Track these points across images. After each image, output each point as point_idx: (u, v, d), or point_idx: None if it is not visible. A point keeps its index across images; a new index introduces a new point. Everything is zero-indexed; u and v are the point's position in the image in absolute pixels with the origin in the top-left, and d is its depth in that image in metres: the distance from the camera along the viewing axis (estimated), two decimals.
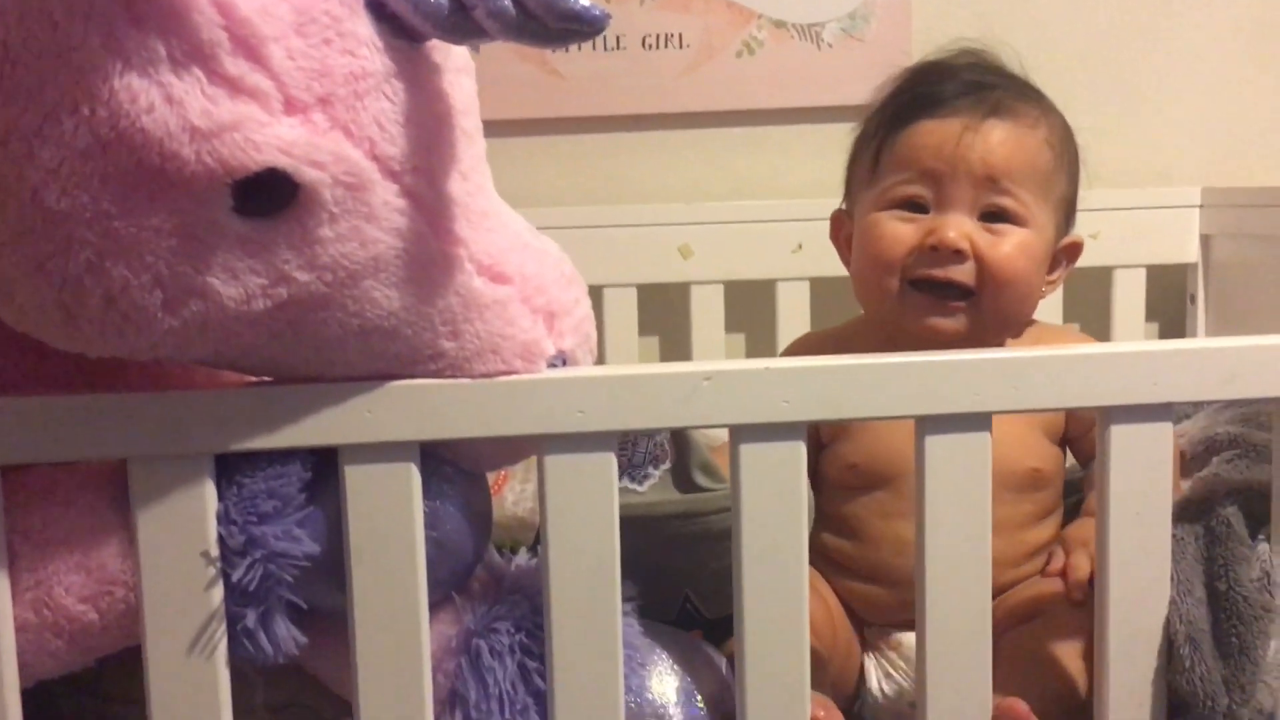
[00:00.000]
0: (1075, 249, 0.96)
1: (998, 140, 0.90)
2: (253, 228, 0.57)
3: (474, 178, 0.63)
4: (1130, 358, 0.69)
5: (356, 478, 0.66)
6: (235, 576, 0.64)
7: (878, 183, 0.93)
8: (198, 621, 0.65)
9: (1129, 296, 1.41)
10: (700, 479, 0.84)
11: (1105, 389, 0.69)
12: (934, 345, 0.79)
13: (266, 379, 0.67)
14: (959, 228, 0.88)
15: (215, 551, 0.65)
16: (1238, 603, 0.71)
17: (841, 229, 1.00)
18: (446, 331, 0.64)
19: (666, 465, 0.85)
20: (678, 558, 0.82)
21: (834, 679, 0.89)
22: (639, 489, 0.84)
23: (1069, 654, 0.80)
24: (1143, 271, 1.41)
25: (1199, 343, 0.70)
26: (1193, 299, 1.44)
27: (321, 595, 0.67)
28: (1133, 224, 1.38)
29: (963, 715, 0.71)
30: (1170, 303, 1.46)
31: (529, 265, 0.66)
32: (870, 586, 0.93)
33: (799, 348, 1.02)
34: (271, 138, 0.55)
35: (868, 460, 0.93)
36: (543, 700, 0.68)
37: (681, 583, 0.84)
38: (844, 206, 1.01)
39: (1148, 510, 0.71)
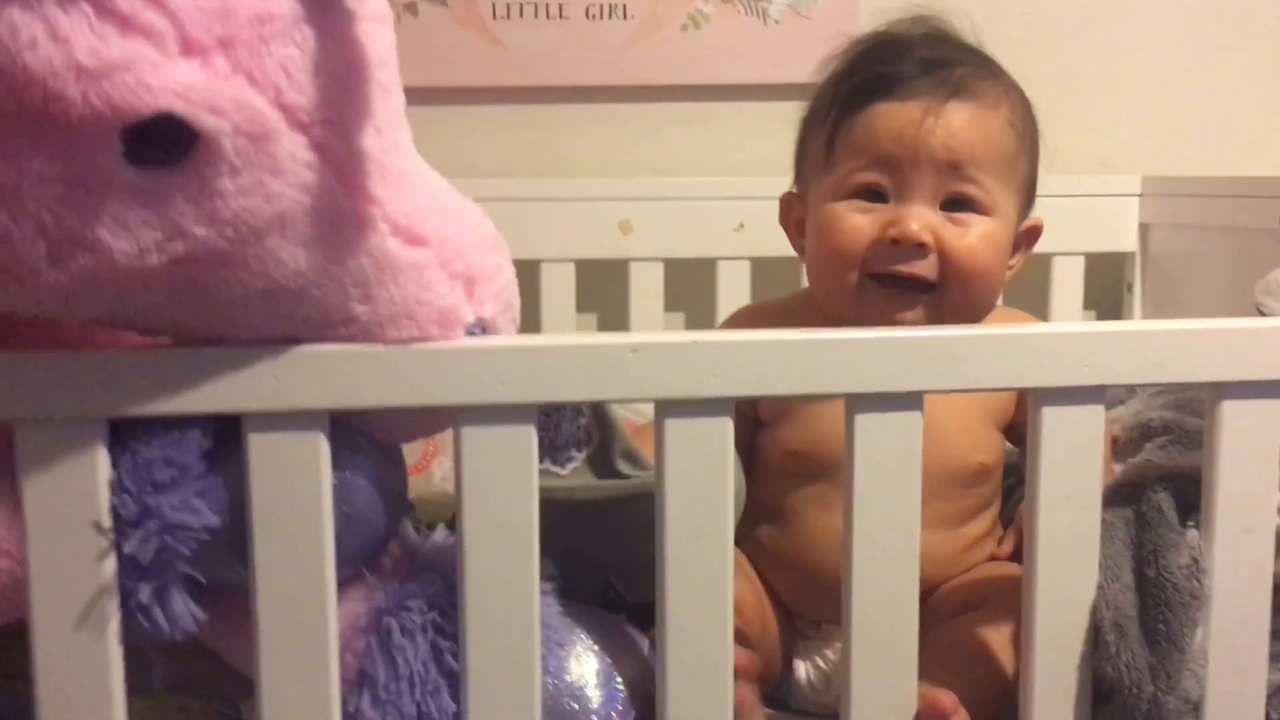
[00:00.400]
0: (1035, 232, 0.93)
1: (960, 124, 0.85)
2: (146, 177, 0.53)
3: (390, 133, 0.60)
4: (1064, 338, 0.68)
5: (261, 447, 0.62)
6: (129, 549, 0.61)
7: (833, 169, 0.88)
8: (88, 595, 0.62)
9: (1067, 284, 1.41)
10: (623, 466, 0.80)
11: (1038, 370, 0.68)
12: None
13: (166, 341, 0.63)
14: (921, 219, 0.84)
15: (107, 522, 0.61)
16: (1166, 589, 0.70)
17: (791, 213, 0.95)
18: (358, 295, 0.61)
19: (589, 449, 0.82)
20: (599, 543, 0.79)
21: (762, 667, 0.87)
22: (560, 471, 0.81)
23: (1002, 644, 0.79)
24: (1081, 259, 1.41)
25: (1133, 325, 0.69)
26: (1130, 288, 1.44)
27: (222, 569, 0.64)
28: (1072, 211, 1.38)
29: (888, 705, 0.69)
30: (1108, 291, 1.46)
31: (448, 227, 0.64)
32: (804, 582, 0.89)
33: (739, 320, 0.98)
34: (166, 80, 0.51)
35: (808, 447, 0.89)
36: (456, 681, 0.66)
37: (603, 568, 0.82)
38: (794, 190, 0.96)
39: (1078, 493, 0.69)
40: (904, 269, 0.85)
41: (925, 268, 0.85)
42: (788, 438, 0.90)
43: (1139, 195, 1.42)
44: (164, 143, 0.53)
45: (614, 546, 0.79)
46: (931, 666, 0.73)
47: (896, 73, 0.87)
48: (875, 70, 0.88)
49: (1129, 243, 1.43)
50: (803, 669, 0.89)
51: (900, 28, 0.92)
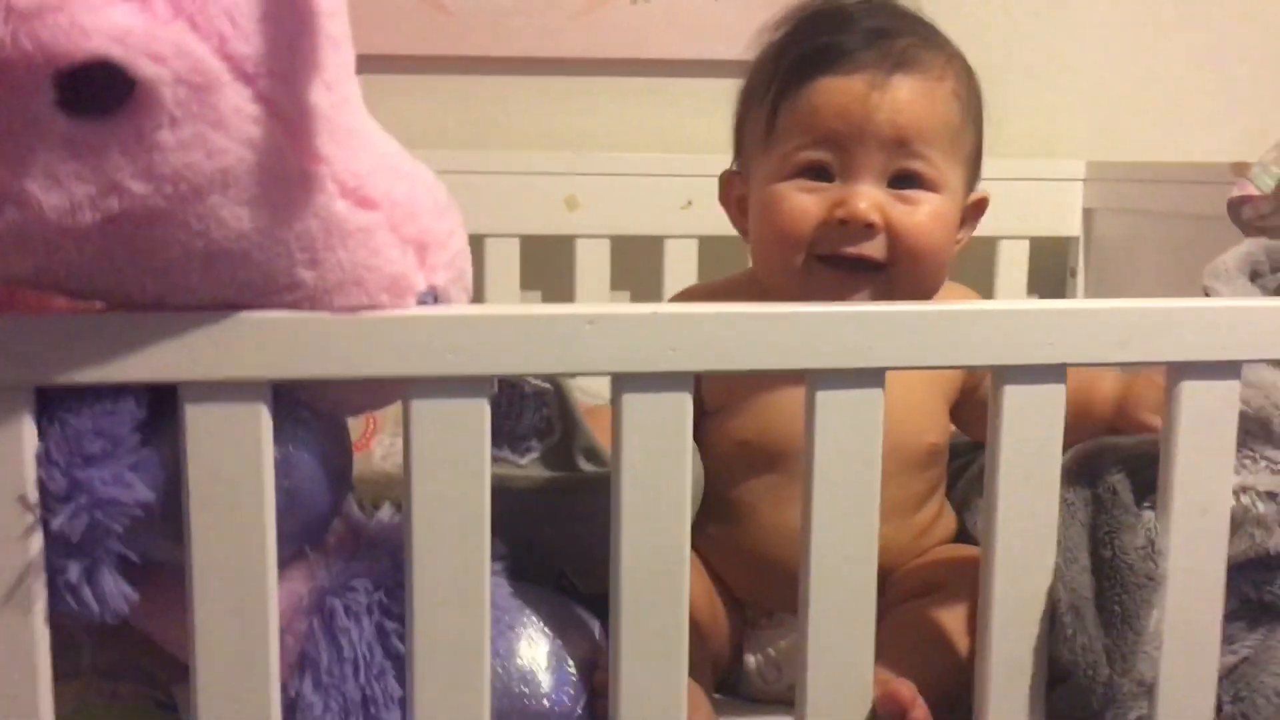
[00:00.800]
0: (982, 205, 0.91)
1: (906, 98, 0.82)
2: (80, 128, 0.50)
3: (340, 89, 0.57)
4: (1028, 316, 0.67)
5: (198, 418, 0.59)
6: (56, 525, 0.57)
7: (775, 147, 0.85)
8: (13, 574, 0.58)
9: (1011, 267, 1.42)
10: (583, 463, 0.77)
11: (1000, 348, 0.67)
12: None
13: (98, 304, 0.60)
14: (869, 198, 0.81)
15: (34, 496, 0.58)
16: (1121, 571, 0.70)
17: (732, 190, 0.92)
18: (304, 259, 0.58)
19: (550, 441, 0.78)
20: (554, 533, 0.76)
21: (713, 657, 0.85)
22: (518, 461, 0.78)
23: (957, 627, 0.78)
24: (1025, 243, 1.42)
25: (1096, 303, 0.68)
26: (1073, 272, 1.45)
27: (157, 547, 0.61)
28: (1017, 195, 1.38)
29: (845, 692, 0.68)
30: (1050, 276, 1.47)
31: (399, 190, 0.61)
32: (757, 574, 0.86)
33: (683, 300, 0.95)
34: (103, 23, 0.48)
35: (760, 437, 0.85)
36: (402, 664, 0.63)
37: (557, 559, 0.79)
38: (734, 167, 0.93)
39: (1037, 473, 0.69)
40: (852, 250, 0.82)
41: (873, 248, 0.82)
42: (740, 427, 0.87)
43: (1083, 180, 1.43)
44: (99, 91, 0.49)
45: (569, 537, 0.76)
46: (886, 651, 0.72)
47: (838, 44, 0.84)
48: (817, 42, 0.85)
49: (1073, 227, 1.44)
50: (753, 659, 0.88)
51: None
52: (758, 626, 0.89)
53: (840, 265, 0.83)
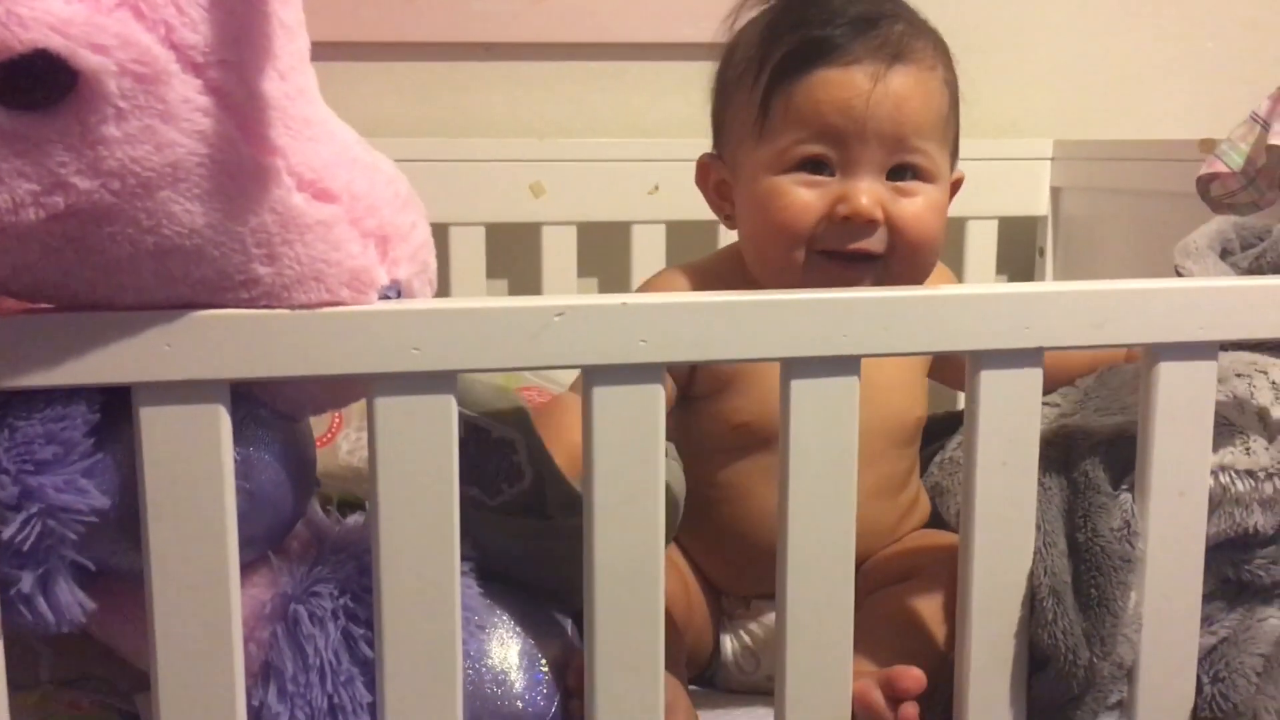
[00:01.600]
0: (958, 184, 0.91)
1: (905, 93, 0.82)
2: (20, 122, 0.48)
3: (294, 78, 0.55)
4: (1003, 299, 0.66)
5: (154, 421, 0.57)
6: (7, 534, 0.55)
7: (771, 139, 0.83)
8: None
9: (981, 248, 1.41)
10: (558, 517, 0.73)
11: (976, 332, 0.66)
12: None
13: (46, 305, 0.57)
14: (871, 194, 0.81)
15: None
16: (1097, 553, 0.70)
17: (710, 175, 0.90)
18: (261, 254, 0.56)
19: (522, 485, 0.75)
20: (530, 571, 0.73)
21: (690, 649, 0.84)
22: (488, 501, 0.74)
23: (935, 613, 0.78)
24: (994, 223, 1.41)
25: (1072, 286, 0.68)
26: (1041, 252, 1.45)
27: (114, 554, 0.59)
28: (985, 175, 1.37)
29: (824, 679, 0.67)
30: (1020, 255, 1.47)
31: (359, 182, 0.59)
32: (743, 558, 0.86)
33: (661, 282, 0.91)
34: (41, 13, 0.46)
35: (759, 419, 0.84)
36: (370, 670, 0.62)
37: (535, 590, 0.75)
38: (715, 152, 0.91)
39: (1015, 458, 0.68)
40: (852, 247, 0.82)
41: (874, 242, 0.82)
42: (737, 409, 0.86)
43: (1050, 159, 1.42)
44: (40, 83, 0.47)
45: (545, 576, 0.74)
46: (865, 640, 0.71)
47: (831, 37, 0.82)
48: (809, 34, 0.83)
49: (1041, 206, 1.43)
50: (730, 647, 0.87)
51: None
52: (735, 616, 0.88)
53: (840, 258, 0.82)
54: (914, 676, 0.70)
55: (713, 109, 0.91)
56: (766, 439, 0.83)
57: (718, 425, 0.86)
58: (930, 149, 0.83)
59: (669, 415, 0.87)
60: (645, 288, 0.92)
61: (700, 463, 0.85)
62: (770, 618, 0.85)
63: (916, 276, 0.85)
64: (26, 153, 0.49)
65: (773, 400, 0.83)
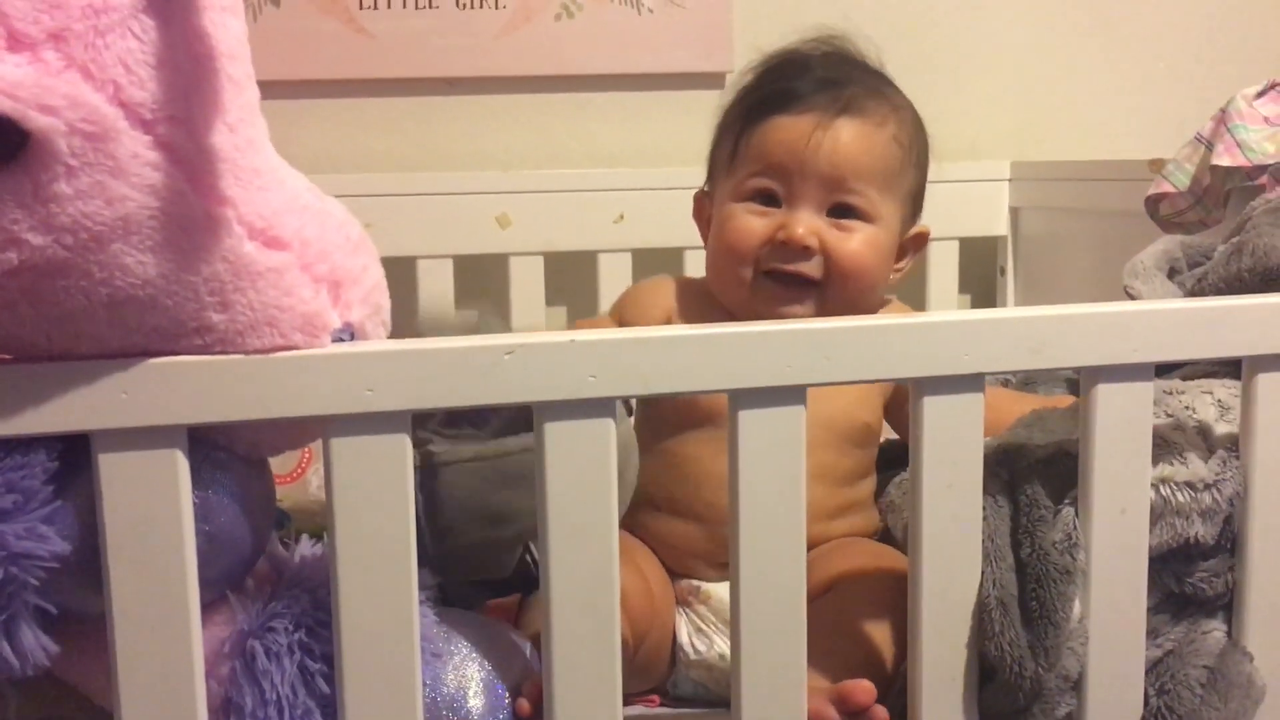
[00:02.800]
0: (922, 238, 1.00)
1: (846, 140, 0.92)
2: None
3: (243, 130, 0.57)
4: (941, 327, 0.68)
5: (112, 467, 0.59)
6: None
7: (734, 173, 0.96)
8: None
9: (943, 269, 1.43)
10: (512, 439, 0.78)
11: (917, 360, 0.68)
12: None
13: (3, 356, 0.59)
14: (807, 224, 0.91)
15: None
16: (1038, 567, 0.71)
17: (702, 210, 1.02)
18: (214, 302, 0.57)
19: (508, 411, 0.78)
20: (522, 499, 0.75)
21: (650, 647, 0.86)
22: (478, 434, 0.78)
23: (873, 624, 0.80)
24: (956, 244, 1.43)
25: (1009, 312, 0.70)
26: (1003, 271, 1.47)
27: (75, 598, 0.60)
28: (945, 197, 1.38)
29: (778, 703, 0.69)
30: (982, 274, 1.49)
31: (309, 229, 0.60)
32: (689, 527, 0.92)
33: (651, 287, 1.01)
34: None
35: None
36: (328, 704, 0.63)
37: (523, 529, 0.78)
38: (706, 189, 1.02)
39: (960, 481, 0.70)
40: (790, 268, 0.92)
41: (810, 268, 0.92)
42: None
43: (1009, 180, 1.45)
44: None
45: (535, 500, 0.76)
46: (813, 650, 0.72)
47: (794, 89, 0.95)
48: (777, 86, 0.96)
49: (1000, 226, 1.46)
50: (685, 631, 0.89)
51: (806, 47, 1.00)
52: (686, 602, 0.91)
53: (781, 280, 0.93)
54: (865, 689, 0.72)
55: (709, 156, 1.03)
56: (712, 414, 0.91)
57: (670, 399, 0.93)
58: (869, 193, 0.93)
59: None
60: (633, 291, 1.03)
61: (653, 434, 0.93)
62: (717, 597, 0.89)
63: (854, 305, 0.93)
64: None
65: None
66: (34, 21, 0.49)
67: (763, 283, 0.93)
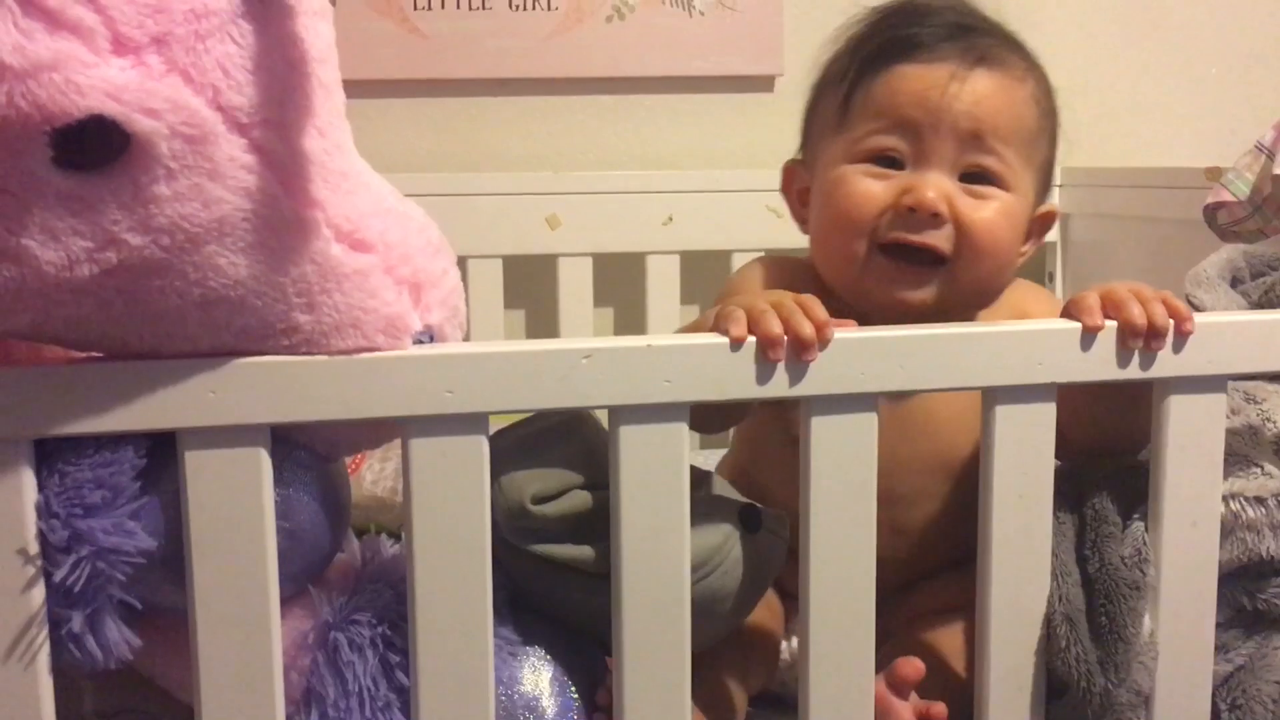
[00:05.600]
0: (1049, 219, 0.89)
1: (986, 92, 0.80)
2: (77, 183, 0.50)
3: (332, 134, 0.58)
4: (1017, 337, 0.68)
5: (198, 464, 0.59)
6: (58, 576, 0.57)
7: (846, 130, 0.83)
8: (16, 626, 0.58)
9: None
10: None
11: (991, 369, 0.68)
12: (898, 316, 0.74)
13: (95, 354, 0.60)
14: (938, 187, 0.79)
15: (34, 549, 0.58)
16: (1107, 582, 0.71)
17: (794, 181, 0.89)
18: (301, 303, 0.58)
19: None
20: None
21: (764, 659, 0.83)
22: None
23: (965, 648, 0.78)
24: None
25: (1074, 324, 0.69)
26: (1051, 277, 1.47)
27: (159, 592, 0.61)
28: None
29: (844, 704, 0.69)
30: (1030, 279, 1.48)
31: (393, 232, 0.61)
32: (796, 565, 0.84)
33: (748, 272, 0.88)
34: (97, 80, 0.48)
35: None
36: (406, 695, 0.64)
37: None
38: (799, 157, 0.90)
39: (1030, 491, 0.70)
40: (916, 239, 0.79)
41: (939, 238, 0.80)
42: (796, 421, 0.81)
43: (1059, 186, 1.44)
44: (95, 146, 0.50)
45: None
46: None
47: (920, 35, 0.82)
48: (899, 32, 0.83)
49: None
50: (786, 646, 0.85)
51: None
52: (791, 619, 0.86)
53: (901, 256, 0.80)
54: (914, 666, 0.71)
55: (804, 116, 0.91)
56: None
57: (777, 436, 0.83)
58: (1008, 155, 0.81)
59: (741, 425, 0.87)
60: (735, 278, 0.90)
61: (763, 469, 0.86)
62: None
63: (982, 288, 0.83)
64: (81, 212, 0.51)
65: None
66: (138, 26, 0.49)
67: (877, 260, 0.80)
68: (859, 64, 0.83)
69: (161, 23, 0.50)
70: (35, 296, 0.53)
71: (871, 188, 0.80)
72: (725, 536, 0.71)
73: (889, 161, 0.81)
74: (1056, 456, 0.83)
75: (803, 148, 0.91)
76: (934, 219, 0.79)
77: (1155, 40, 1.50)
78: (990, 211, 0.80)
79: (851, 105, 0.83)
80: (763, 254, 1.31)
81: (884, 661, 0.80)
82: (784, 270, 0.87)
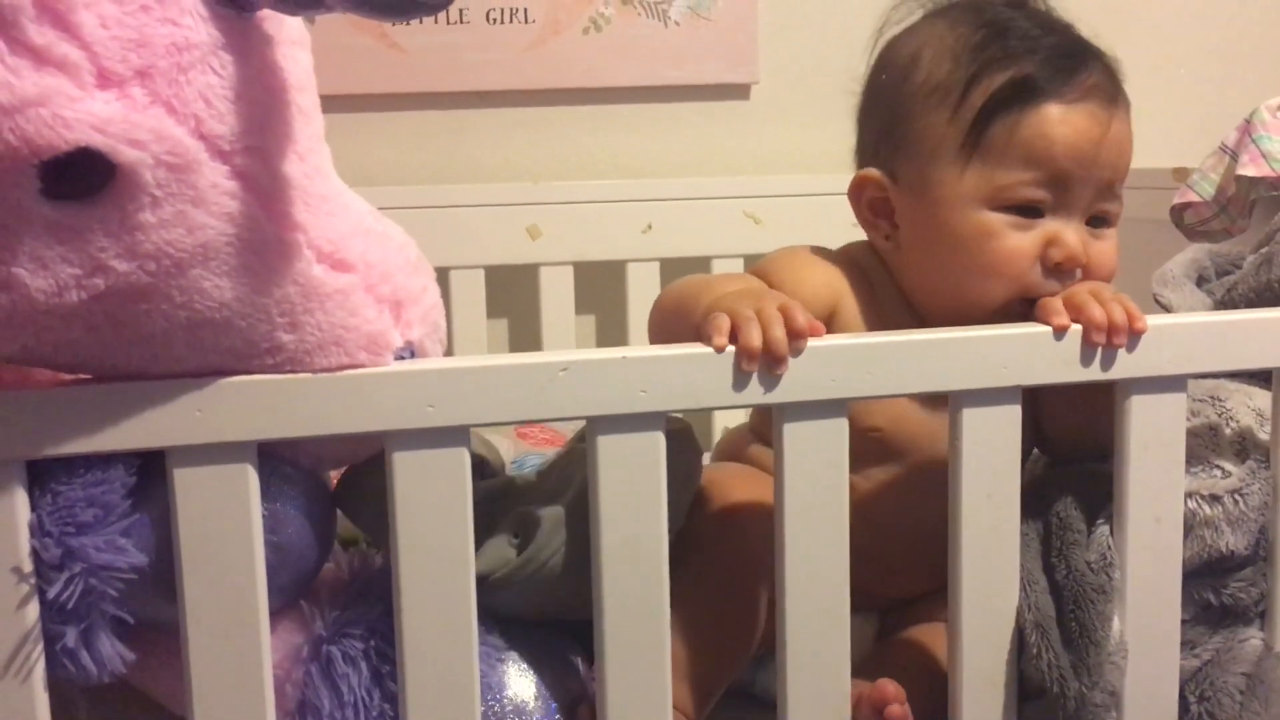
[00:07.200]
0: None
1: (1122, 138, 0.81)
2: (64, 213, 0.52)
3: (311, 159, 0.59)
4: (981, 341, 0.70)
5: (186, 481, 0.61)
6: (52, 593, 0.59)
7: (981, 167, 0.79)
8: (11, 642, 0.60)
9: None
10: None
11: (957, 373, 0.70)
12: (958, 318, 0.75)
13: (84, 376, 0.61)
14: (1080, 237, 0.80)
15: (28, 567, 0.59)
16: (1074, 588, 0.72)
17: (866, 191, 0.85)
18: (284, 323, 0.60)
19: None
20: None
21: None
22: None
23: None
24: None
25: (1048, 327, 0.71)
26: None
27: (152, 608, 0.62)
28: None
29: (820, 701, 0.71)
30: None
31: (373, 251, 0.63)
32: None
33: (796, 259, 0.86)
34: (83, 114, 0.50)
35: (892, 425, 0.82)
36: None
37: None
38: (872, 170, 0.85)
39: (998, 492, 0.72)
40: (1057, 288, 0.79)
41: (1071, 281, 0.80)
42: (870, 413, 0.81)
43: None
44: (82, 176, 0.51)
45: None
46: (884, 670, 0.75)
47: (1060, 66, 0.80)
48: (1024, 65, 0.80)
49: None
50: None
51: None
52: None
53: (1033, 304, 0.78)
54: (894, 689, 0.73)
55: (876, 121, 0.86)
56: (890, 448, 0.83)
57: (851, 428, 0.76)
58: (1122, 195, 0.83)
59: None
60: (792, 259, 0.86)
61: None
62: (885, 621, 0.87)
63: None
64: (69, 240, 0.52)
65: (903, 409, 0.83)
66: (121, 60, 0.51)
67: (1017, 307, 0.79)
68: (993, 95, 0.80)
69: (144, 56, 0.51)
70: (26, 322, 0.54)
71: (1021, 243, 0.79)
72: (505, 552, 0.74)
73: (1032, 210, 0.80)
74: (1046, 454, 0.87)
75: (878, 157, 0.86)
76: (1076, 269, 0.80)
77: (1124, 41, 1.51)
78: (1110, 252, 0.82)
79: (989, 141, 0.80)
80: (744, 258, 1.34)
81: (878, 656, 0.82)
82: (855, 269, 0.85)
